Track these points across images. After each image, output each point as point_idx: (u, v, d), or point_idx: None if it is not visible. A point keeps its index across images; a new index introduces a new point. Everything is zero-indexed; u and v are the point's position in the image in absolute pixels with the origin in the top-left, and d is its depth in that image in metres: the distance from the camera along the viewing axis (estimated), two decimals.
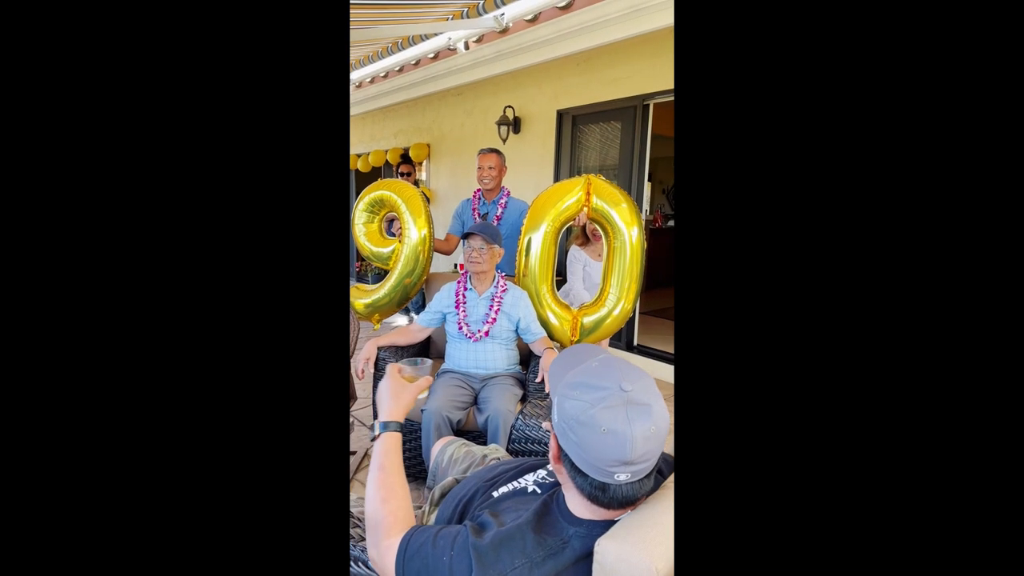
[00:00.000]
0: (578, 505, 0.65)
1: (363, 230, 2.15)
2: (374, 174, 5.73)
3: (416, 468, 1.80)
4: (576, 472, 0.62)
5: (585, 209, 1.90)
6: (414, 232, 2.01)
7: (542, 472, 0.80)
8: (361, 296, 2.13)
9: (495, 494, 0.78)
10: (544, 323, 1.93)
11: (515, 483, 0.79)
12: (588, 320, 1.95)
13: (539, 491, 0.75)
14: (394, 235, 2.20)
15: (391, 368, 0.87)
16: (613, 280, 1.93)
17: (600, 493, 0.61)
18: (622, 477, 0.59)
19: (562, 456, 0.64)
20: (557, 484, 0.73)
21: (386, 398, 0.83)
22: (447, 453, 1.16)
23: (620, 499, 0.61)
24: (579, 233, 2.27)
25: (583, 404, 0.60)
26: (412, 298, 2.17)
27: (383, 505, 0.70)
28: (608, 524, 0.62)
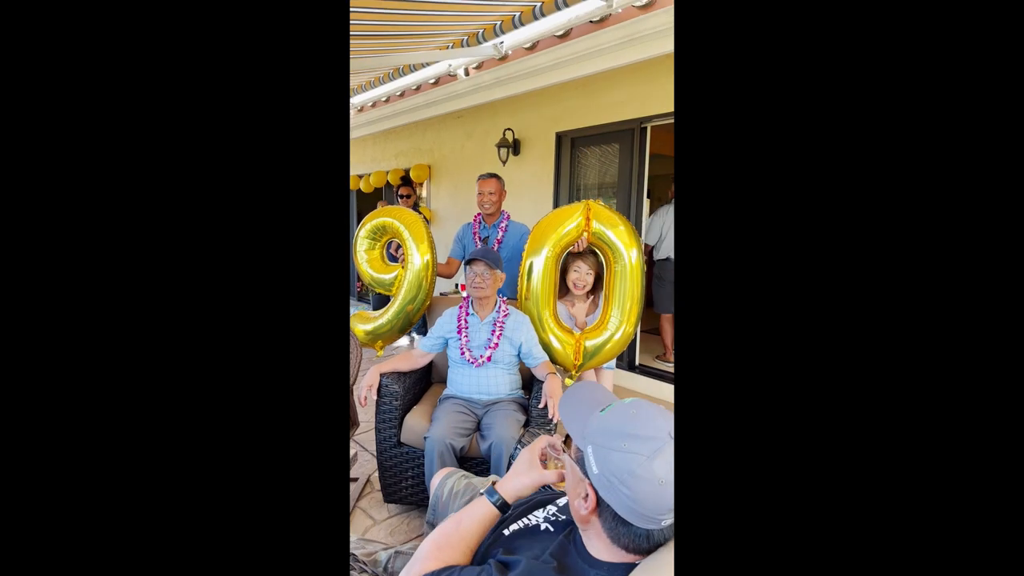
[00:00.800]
0: (599, 548, 0.64)
1: (364, 257, 2.17)
2: (375, 195, 5.80)
3: (419, 496, 1.79)
4: (619, 523, 0.60)
5: (585, 234, 1.92)
6: (417, 258, 2.03)
7: (552, 508, 0.80)
8: (363, 323, 2.14)
9: (506, 532, 0.77)
10: (547, 347, 1.94)
11: (526, 520, 0.79)
12: (591, 344, 1.95)
13: (552, 529, 0.74)
14: (396, 259, 2.22)
15: (543, 438, 0.81)
16: (615, 303, 1.94)
17: (644, 541, 0.60)
18: (667, 522, 0.59)
19: (600, 508, 0.62)
20: (569, 522, 0.72)
21: (513, 469, 0.79)
22: (447, 486, 1.15)
23: (661, 542, 0.60)
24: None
25: (638, 457, 0.58)
26: (415, 324, 2.18)
27: (436, 550, 0.71)
28: (628, 567, 0.61)
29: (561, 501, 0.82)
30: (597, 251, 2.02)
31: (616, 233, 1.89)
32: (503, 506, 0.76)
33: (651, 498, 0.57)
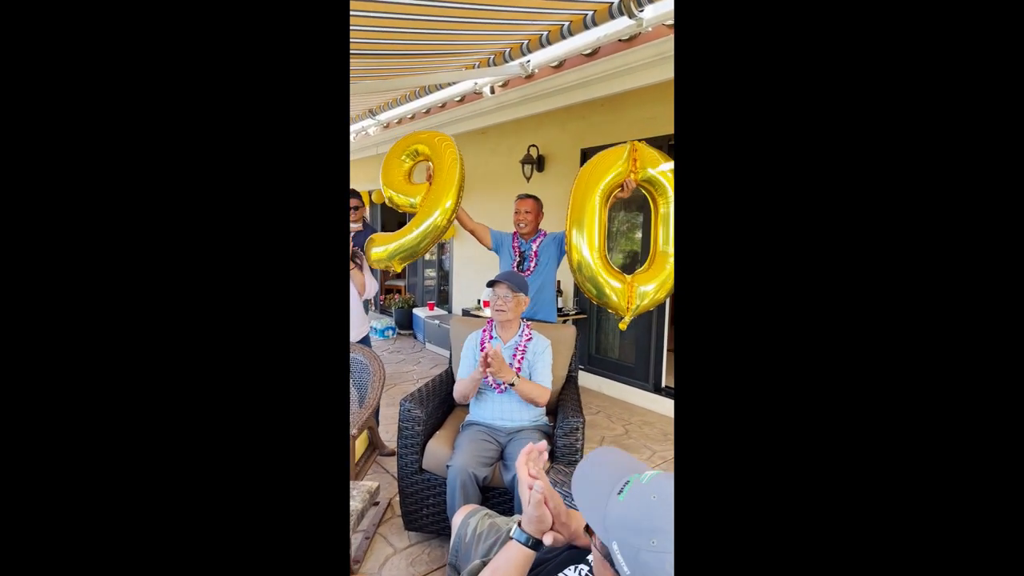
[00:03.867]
0: None
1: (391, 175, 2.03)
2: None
3: (440, 524, 1.75)
4: None
5: (632, 175, 1.81)
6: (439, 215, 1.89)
7: (584, 568, 0.76)
8: (382, 244, 2.02)
9: None
10: (601, 294, 1.81)
11: None
12: (645, 288, 1.80)
13: None
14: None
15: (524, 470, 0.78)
16: (664, 245, 1.81)
17: None
18: None
19: None
20: None
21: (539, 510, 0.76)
22: (470, 525, 1.12)
23: None
24: None
25: (670, 557, 0.53)
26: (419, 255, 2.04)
27: None
28: None
29: (592, 558, 0.77)
30: (643, 191, 1.89)
31: (662, 174, 1.78)
32: (536, 545, 0.76)
33: None
